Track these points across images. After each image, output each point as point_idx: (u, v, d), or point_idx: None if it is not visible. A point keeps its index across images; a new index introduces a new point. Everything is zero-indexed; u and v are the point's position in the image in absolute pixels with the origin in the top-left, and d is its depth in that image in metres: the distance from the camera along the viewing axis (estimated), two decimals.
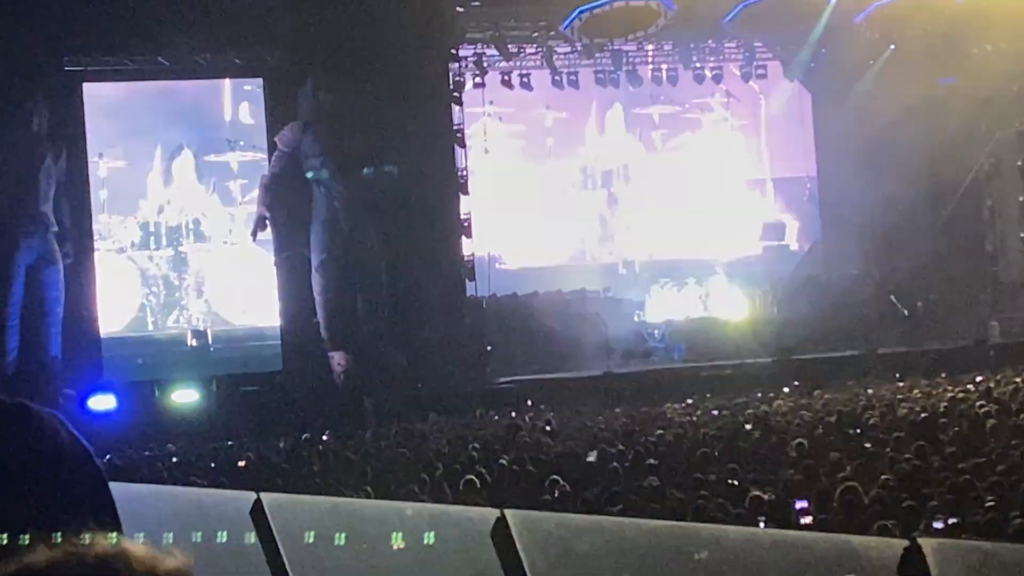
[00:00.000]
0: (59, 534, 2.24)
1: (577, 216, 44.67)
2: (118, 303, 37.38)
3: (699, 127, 45.81)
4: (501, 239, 42.93)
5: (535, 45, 39.89)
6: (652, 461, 17.55)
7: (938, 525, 11.81)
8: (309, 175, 34.24)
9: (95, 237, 35.62)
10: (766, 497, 13.58)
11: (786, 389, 29.79)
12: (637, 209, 44.79)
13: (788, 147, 45.11)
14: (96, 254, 35.46)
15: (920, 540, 4.20)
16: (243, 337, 36.70)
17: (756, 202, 45.53)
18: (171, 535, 6.62)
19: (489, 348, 35.65)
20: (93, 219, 35.38)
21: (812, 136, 44.55)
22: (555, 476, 16.14)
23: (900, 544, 4.29)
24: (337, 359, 33.65)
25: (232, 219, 39.42)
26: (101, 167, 38.24)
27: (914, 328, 37.98)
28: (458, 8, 36.40)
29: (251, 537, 6.54)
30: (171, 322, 37.84)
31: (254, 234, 35.21)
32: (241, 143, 39.34)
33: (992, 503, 12.56)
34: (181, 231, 38.92)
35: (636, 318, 39.42)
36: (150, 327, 37.50)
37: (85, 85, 34.50)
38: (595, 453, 18.94)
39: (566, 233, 44.41)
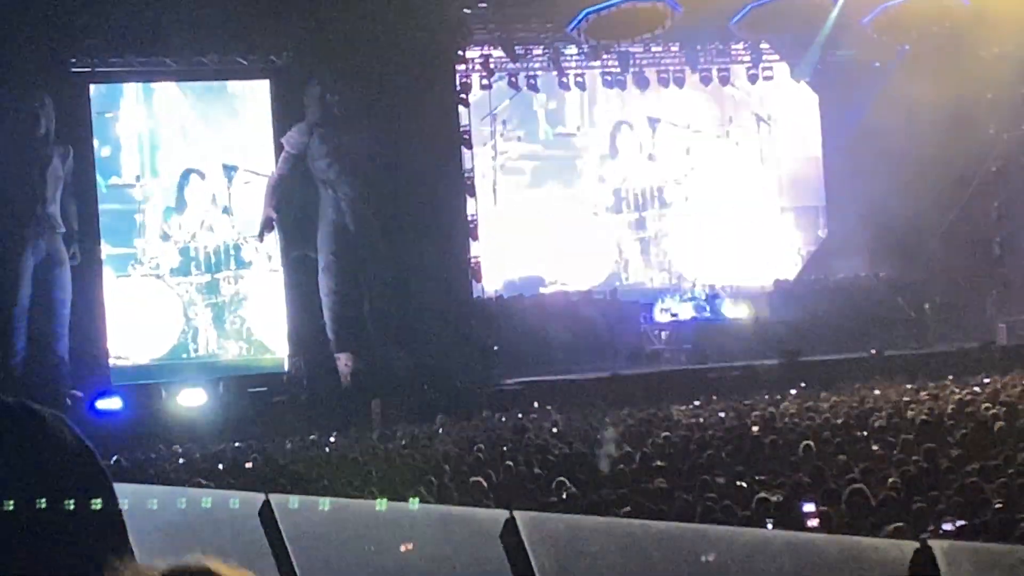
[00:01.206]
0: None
1: (605, 240, 44.40)
2: (158, 329, 37.21)
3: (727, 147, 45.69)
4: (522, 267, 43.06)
5: (542, 47, 39.86)
6: (659, 463, 17.53)
7: (948, 527, 11.79)
8: (315, 177, 34.25)
9: (133, 262, 36.08)
10: (773, 499, 13.57)
11: (793, 391, 29.75)
12: (670, 233, 44.64)
13: (800, 178, 45.08)
14: (134, 279, 35.87)
15: (930, 542, 4.19)
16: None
17: (780, 228, 45.38)
18: (180, 536, 6.62)
19: (496, 349, 35.63)
20: (129, 243, 35.94)
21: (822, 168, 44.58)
22: (562, 478, 16.13)
23: (910, 546, 4.28)
24: (344, 360, 33.68)
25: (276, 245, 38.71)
26: (138, 189, 38.22)
27: (921, 330, 37.96)
28: (465, 10, 36.40)
29: (260, 538, 6.54)
30: (213, 349, 37.47)
31: (261, 235, 35.20)
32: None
33: (1000, 505, 12.54)
34: (221, 257, 38.50)
35: (643, 320, 39.39)
36: (191, 354, 37.25)
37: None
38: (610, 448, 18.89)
39: (593, 258, 44.11)
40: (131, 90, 38.06)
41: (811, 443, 18.34)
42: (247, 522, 6.64)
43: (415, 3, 33.57)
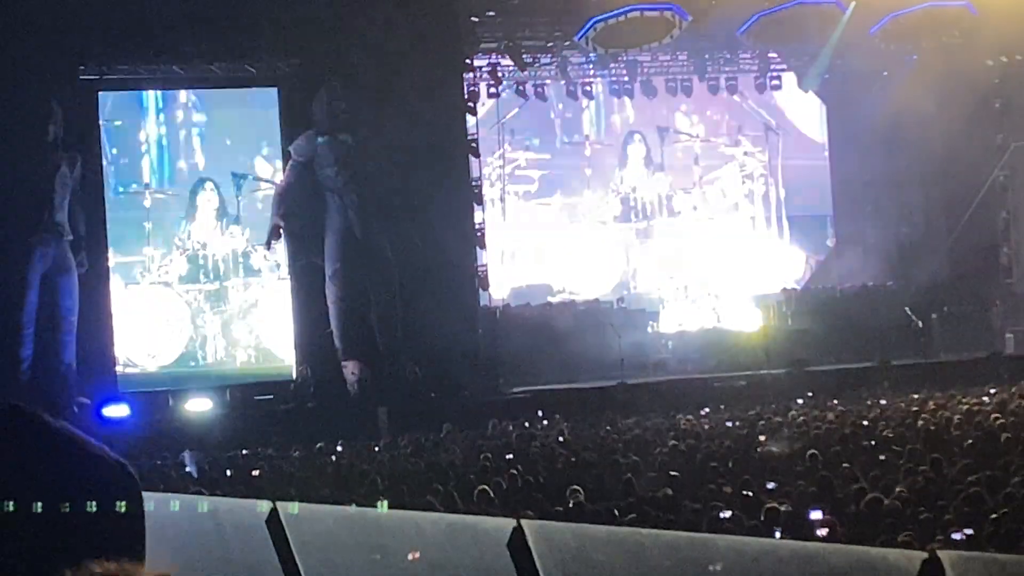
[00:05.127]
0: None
1: (612, 249, 44.47)
2: (166, 337, 37.28)
3: (732, 160, 45.75)
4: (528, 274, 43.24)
5: (549, 55, 39.86)
6: (667, 472, 17.52)
7: (955, 537, 11.78)
8: (323, 185, 34.25)
9: (141, 270, 36.68)
10: (781, 508, 13.56)
11: (800, 400, 29.74)
12: (673, 243, 44.67)
13: (807, 187, 45.11)
14: (143, 287, 36.37)
15: (939, 552, 4.19)
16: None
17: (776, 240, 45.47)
18: (188, 544, 6.63)
19: (503, 358, 35.62)
20: (138, 251, 36.68)
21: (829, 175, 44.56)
22: (570, 487, 16.13)
23: (918, 556, 4.28)
24: (351, 368, 33.65)
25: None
26: (147, 197, 38.37)
27: (928, 340, 37.92)
28: (472, 18, 36.40)
29: (267, 546, 6.54)
30: (221, 357, 37.48)
31: (268, 244, 35.18)
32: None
33: (1007, 515, 12.52)
34: (230, 265, 38.57)
35: (650, 329, 39.36)
36: (200, 362, 37.27)
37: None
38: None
39: (600, 267, 44.20)
40: (146, 98, 38.25)
41: (817, 452, 18.34)
42: (254, 530, 6.64)
43: (423, 11, 33.58)
